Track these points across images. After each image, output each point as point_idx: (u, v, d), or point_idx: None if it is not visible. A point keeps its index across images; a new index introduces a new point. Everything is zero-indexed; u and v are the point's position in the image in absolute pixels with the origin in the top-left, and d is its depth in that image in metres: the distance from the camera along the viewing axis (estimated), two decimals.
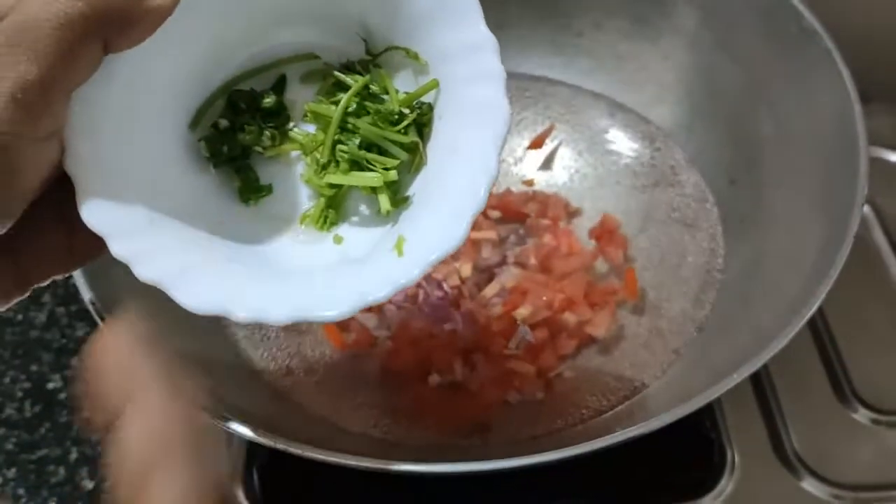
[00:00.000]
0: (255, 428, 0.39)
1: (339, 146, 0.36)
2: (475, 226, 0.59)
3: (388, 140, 0.35)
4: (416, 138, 0.35)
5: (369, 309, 0.54)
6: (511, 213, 0.61)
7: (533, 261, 0.58)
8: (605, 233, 0.59)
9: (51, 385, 0.63)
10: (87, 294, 0.44)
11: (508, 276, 0.56)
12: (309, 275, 0.35)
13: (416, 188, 0.36)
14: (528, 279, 0.56)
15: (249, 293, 0.32)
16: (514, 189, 0.63)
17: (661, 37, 0.62)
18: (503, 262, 0.58)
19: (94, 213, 0.31)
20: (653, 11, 0.61)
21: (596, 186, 0.63)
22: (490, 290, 0.56)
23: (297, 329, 0.55)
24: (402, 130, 0.35)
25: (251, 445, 0.54)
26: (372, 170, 0.35)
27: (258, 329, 0.55)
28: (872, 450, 0.54)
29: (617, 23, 0.63)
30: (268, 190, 0.37)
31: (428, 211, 0.34)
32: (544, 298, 0.55)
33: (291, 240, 0.37)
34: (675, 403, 0.41)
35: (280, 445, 0.38)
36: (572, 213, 0.61)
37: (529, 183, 0.63)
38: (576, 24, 0.64)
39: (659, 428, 0.39)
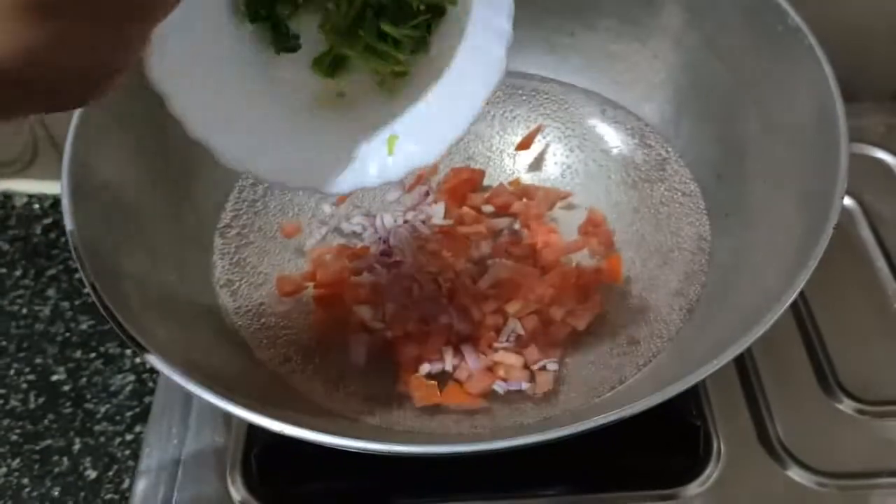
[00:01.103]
0: (255, 410, 0.40)
1: (359, 30, 0.41)
2: (468, 220, 0.61)
3: (404, 34, 0.40)
4: (427, 34, 0.41)
5: (365, 301, 0.56)
6: (504, 207, 0.62)
7: (523, 254, 0.59)
8: (591, 226, 0.60)
9: (55, 377, 0.63)
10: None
11: (500, 270, 0.57)
12: (322, 147, 0.42)
13: (417, 79, 0.42)
14: (518, 272, 0.57)
15: (272, 157, 0.40)
16: (507, 185, 0.64)
17: (651, 37, 0.62)
18: (495, 256, 0.59)
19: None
20: (642, 12, 0.62)
21: (587, 181, 0.63)
22: (483, 283, 0.57)
23: (295, 325, 0.56)
24: (417, 27, 0.40)
25: (250, 431, 0.55)
26: (383, 57, 0.41)
27: (258, 318, 0.56)
28: (856, 439, 0.55)
29: (608, 23, 0.63)
30: (295, 40, 0.42)
31: (418, 122, 0.41)
32: (537, 291, 0.55)
33: (310, 102, 0.43)
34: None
35: (277, 427, 0.39)
36: (563, 196, 0.62)
37: (516, 184, 0.64)
38: (568, 24, 0.65)
39: (640, 412, 0.40)
